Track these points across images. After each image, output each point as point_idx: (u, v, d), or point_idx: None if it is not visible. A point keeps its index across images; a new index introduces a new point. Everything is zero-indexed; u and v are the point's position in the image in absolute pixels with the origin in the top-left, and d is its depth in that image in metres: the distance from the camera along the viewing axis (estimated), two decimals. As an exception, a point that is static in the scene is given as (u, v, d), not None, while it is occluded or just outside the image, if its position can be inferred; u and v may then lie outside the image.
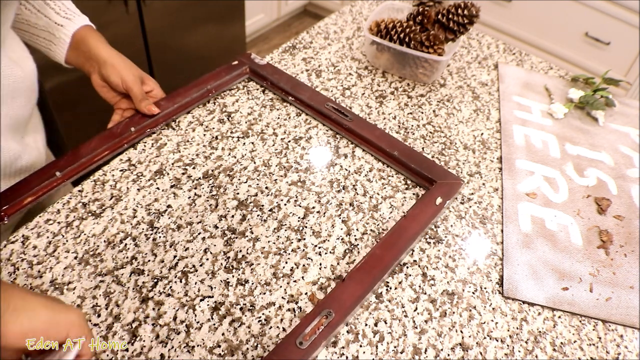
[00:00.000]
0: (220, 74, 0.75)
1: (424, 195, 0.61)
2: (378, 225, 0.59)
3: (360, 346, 0.48)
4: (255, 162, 0.65)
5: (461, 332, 0.51)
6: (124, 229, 0.55)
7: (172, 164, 0.63)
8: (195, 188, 0.60)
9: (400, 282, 0.54)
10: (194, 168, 0.63)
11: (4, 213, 0.53)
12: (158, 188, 0.60)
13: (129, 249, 0.53)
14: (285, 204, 0.60)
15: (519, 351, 0.50)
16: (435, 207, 0.59)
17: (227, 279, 0.51)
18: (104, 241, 0.53)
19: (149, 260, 0.52)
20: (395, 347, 0.48)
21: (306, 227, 0.58)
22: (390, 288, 0.53)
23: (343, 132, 0.69)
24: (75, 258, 0.51)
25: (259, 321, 0.48)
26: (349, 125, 0.69)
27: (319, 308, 0.47)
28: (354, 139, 0.68)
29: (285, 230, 0.57)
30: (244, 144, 0.67)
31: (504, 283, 0.55)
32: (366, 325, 0.49)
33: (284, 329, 0.48)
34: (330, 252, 0.55)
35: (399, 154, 0.65)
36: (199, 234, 0.55)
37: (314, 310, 0.47)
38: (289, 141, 0.69)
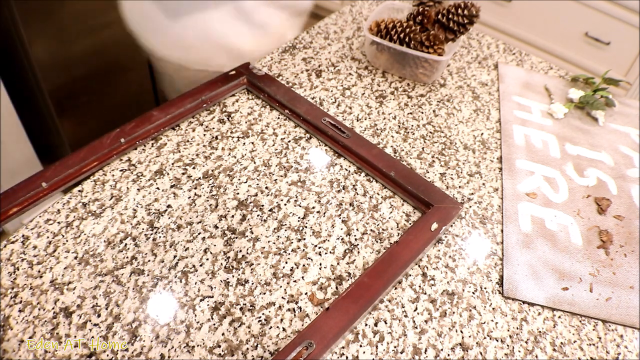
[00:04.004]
0: (216, 83, 0.73)
1: (419, 220, 0.59)
2: (378, 225, 0.59)
3: (360, 346, 0.48)
4: (255, 162, 0.65)
5: (461, 332, 0.51)
6: (124, 229, 0.55)
7: (172, 164, 0.63)
8: (195, 188, 0.60)
9: (400, 282, 0.54)
10: (194, 168, 0.63)
11: None
12: (158, 188, 0.60)
13: (129, 249, 0.53)
14: (285, 204, 0.60)
15: (519, 351, 0.50)
16: (430, 233, 0.57)
17: (227, 279, 0.51)
18: (104, 241, 0.53)
19: (149, 260, 0.52)
20: (395, 347, 0.48)
21: (306, 227, 0.58)
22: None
23: (339, 150, 0.67)
24: (75, 258, 0.51)
25: (259, 321, 0.48)
26: (345, 142, 0.67)
27: (299, 339, 0.45)
28: (350, 156, 0.66)
29: (285, 230, 0.57)
30: (244, 144, 0.67)
31: (504, 283, 0.55)
32: (366, 325, 0.50)
33: (284, 329, 0.48)
34: (330, 252, 0.55)
35: (396, 175, 0.63)
36: (199, 234, 0.55)
37: (293, 340, 0.45)
38: (289, 141, 0.69)
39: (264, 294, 0.51)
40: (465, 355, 0.49)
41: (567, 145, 0.77)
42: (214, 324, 0.48)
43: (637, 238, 0.63)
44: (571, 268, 0.58)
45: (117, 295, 0.49)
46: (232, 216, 0.58)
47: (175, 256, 0.53)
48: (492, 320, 0.52)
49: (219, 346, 0.46)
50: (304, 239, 0.56)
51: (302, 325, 0.49)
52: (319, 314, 0.49)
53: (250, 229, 0.57)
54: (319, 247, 0.56)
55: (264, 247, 0.55)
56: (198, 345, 0.46)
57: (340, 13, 1.02)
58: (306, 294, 0.51)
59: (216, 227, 0.56)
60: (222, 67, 0.83)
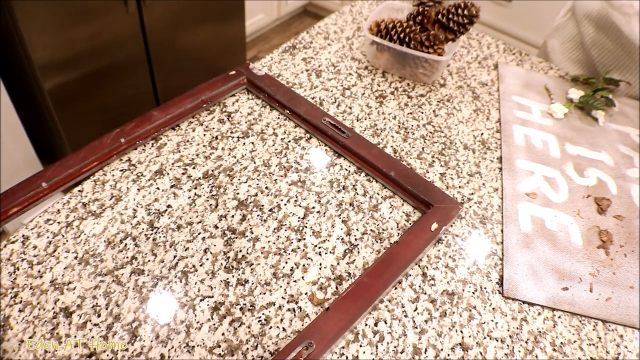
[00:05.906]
0: (216, 84, 0.73)
1: (419, 220, 0.58)
2: (378, 225, 0.59)
3: (360, 346, 0.48)
4: (255, 162, 0.65)
5: (461, 332, 0.51)
6: (124, 229, 0.55)
7: (172, 164, 0.63)
8: (195, 188, 0.60)
9: (400, 282, 0.54)
10: (194, 168, 0.63)
11: None
12: (158, 188, 0.60)
13: (129, 249, 0.53)
14: (285, 204, 0.60)
15: (519, 351, 0.50)
16: (430, 233, 0.57)
17: (227, 279, 0.51)
18: (104, 241, 0.53)
19: (149, 260, 0.52)
20: (395, 347, 0.48)
21: (306, 227, 0.58)
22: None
23: (339, 150, 0.67)
24: (75, 258, 0.51)
25: (259, 321, 0.48)
26: (345, 142, 0.67)
27: (299, 339, 0.45)
28: (350, 156, 0.66)
29: (285, 230, 0.57)
30: (244, 144, 0.67)
31: (504, 283, 0.55)
32: (366, 325, 0.50)
33: (284, 329, 0.48)
34: (330, 252, 0.55)
35: (396, 175, 0.63)
36: (199, 234, 0.55)
37: (293, 340, 0.45)
38: (289, 141, 0.69)
39: (264, 294, 0.51)
40: (465, 355, 0.49)
41: (567, 145, 0.77)
42: (214, 324, 0.48)
43: (637, 238, 0.63)
44: (571, 268, 0.58)
45: (117, 295, 0.49)
46: (232, 216, 0.58)
47: (175, 256, 0.53)
48: (492, 320, 0.52)
49: (219, 346, 0.46)
50: (304, 239, 0.56)
51: (302, 325, 0.49)
52: (319, 314, 0.49)
53: (250, 229, 0.57)
54: (319, 247, 0.56)
55: (264, 247, 0.55)
56: (198, 345, 0.46)
57: (340, 13, 1.02)
58: (306, 294, 0.51)
59: (216, 227, 0.56)
60: None
